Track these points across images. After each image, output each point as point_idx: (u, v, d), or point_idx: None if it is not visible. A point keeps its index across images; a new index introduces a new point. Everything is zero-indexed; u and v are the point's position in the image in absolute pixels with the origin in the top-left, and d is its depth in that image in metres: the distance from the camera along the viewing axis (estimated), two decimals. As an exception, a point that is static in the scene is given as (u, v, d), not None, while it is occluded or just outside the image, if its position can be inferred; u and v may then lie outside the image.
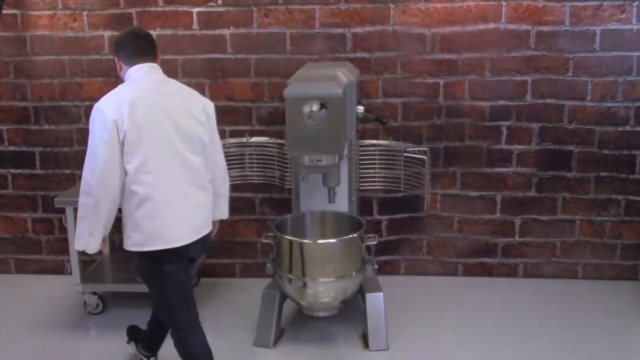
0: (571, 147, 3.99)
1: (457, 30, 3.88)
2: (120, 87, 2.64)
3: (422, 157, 3.36)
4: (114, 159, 2.47)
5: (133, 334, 3.24)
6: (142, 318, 3.24)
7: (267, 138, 3.63)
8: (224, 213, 2.93)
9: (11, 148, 4.17)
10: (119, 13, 3.93)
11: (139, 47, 2.69)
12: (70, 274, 3.69)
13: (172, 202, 2.56)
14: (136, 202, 2.52)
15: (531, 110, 3.96)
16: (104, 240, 2.61)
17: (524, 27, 3.85)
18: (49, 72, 4.04)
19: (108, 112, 2.48)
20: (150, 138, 2.51)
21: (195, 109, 2.67)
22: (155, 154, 2.53)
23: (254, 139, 3.62)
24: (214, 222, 2.83)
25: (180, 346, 2.70)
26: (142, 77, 2.65)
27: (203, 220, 2.69)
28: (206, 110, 2.72)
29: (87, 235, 2.55)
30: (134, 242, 2.57)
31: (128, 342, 3.24)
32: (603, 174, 4.01)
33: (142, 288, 3.60)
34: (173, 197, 2.56)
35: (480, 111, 3.99)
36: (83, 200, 2.53)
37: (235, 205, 4.11)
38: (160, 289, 2.65)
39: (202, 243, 2.70)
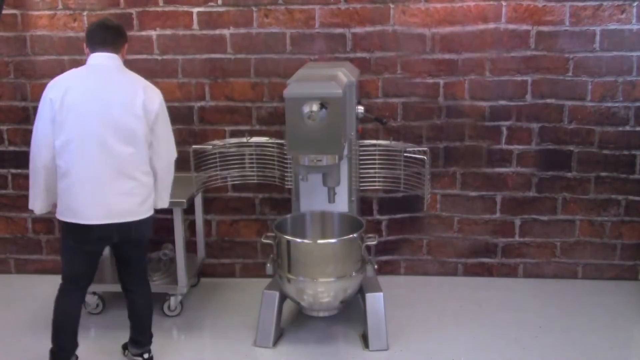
0: (571, 147, 3.99)
1: (457, 30, 3.88)
2: (73, 69, 2.92)
3: (422, 157, 3.35)
4: (46, 133, 2.79)
5: (124, 346, 3.29)
6: (142, 318, 3.25)
7: (267, 138, 3.62)
8: (164, 202, 3.08)
9: (11, 148, 4.17)
10: (119, 13, 3.93)
11: (101, 36, 2.89)
12: (70, 274, 3.69)
13: (85, 182, 2.79)
14: (59, 175, 2.83)
15: (531, 110, 3.96)
16: (54, 205, 2.92)
17: (524, 27, 3.85)
18: (49, 72, 4.03)
19: (49, 90, 2.81)
20: (76, 121, 2.75)
21: (134, 103, 2.82)
22: (79, 137, 2.76)
23: (254, 139, 3.62)
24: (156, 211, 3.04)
25: (55, 300, 2.98)
26: (94, 64, 2.89)
27: (125, 207, 2.86)
28: (146, 105, 2.84)
29: (33, 198, 2.92)
30: (57, 210, 2.90)
31: (125, 355, 3.27)
32: (603, 174, 4.01)
33: (142, 288, 3.61)
34: (88, 178, 2.79)
35: (480, 111, 3.98)
36: (29, 167, 2.91)
37: (235, 205, 4.13)
38: (63, 255, 2.99)
39: (125, 229, 2.88)
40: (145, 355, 3.17)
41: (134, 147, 2.83)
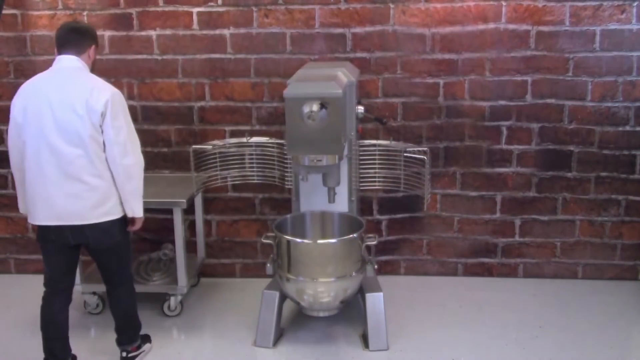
0: (571, 147, 3.99)
1: (457, 30, 3.88)
2: (40, 73, 2.96)
3: (422, 157, 3.35)
4: (12, 136, 2.90)
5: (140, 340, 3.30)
6: (142, 318, 3.25)
7: (267, 138, 3.62)
8: (135, 211, 2.99)
9: (11, 148, 4.17)
10: (119, 13, 3.93)
11: (64, 39, 2.92)
12: (70, 274, 3.69)
13: (36, 184, 2.86)
14: (25, 177, 2.91)
15: (531, 110, 3.96)
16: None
17: (524, 27, 3.85)
18: (49, 72, 4.04)
19: (17, 94, 2.89)
20: (31, 124, 2.81)
21: (76, 102, 2.79)
22: (32, 139, 2.82)
23: (254, 139, 3.62)
24: (131, 219, 3.01)
25: (40, 309, 3.00)
26: (53, 67, 2.92)
27: (73, 210, 2.85)
28: (89, 105, 2.79)
29: (18, 199, 3.07)
30: None
31: (141, 345, 3.29)
32: (603, 174, 4.01)
33: (142, 288, 3.61)
34: (38, 179, 2.85)
35: (480, 111, 3.98)
36: None
37: (235, 205, 4.13)
38: (43, 257, 3.03)
39: (78, 233, 2.88)
40: (124, 354, 3.20)
41: (82, 148, 2.80)
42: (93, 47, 2.98)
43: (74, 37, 2.92)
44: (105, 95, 2.81)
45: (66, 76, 2.87)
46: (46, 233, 2.91)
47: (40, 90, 2.83)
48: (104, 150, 2.85)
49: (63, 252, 2.97)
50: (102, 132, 2.82)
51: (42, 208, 2.87)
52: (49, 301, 3.01)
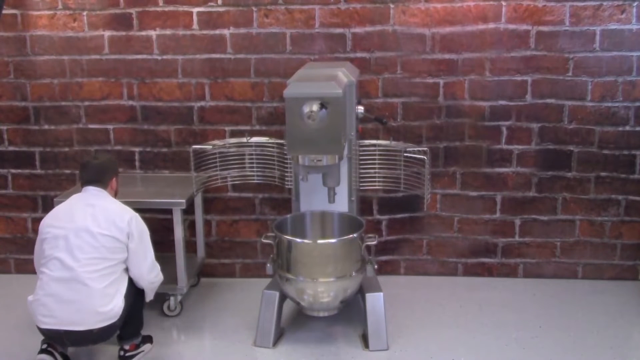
0: (571, 147, 3.99)
1: (457, 30, 3.88)
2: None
3: (422, 157, 3.35)
4: None
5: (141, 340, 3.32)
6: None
7: (267, 138, 3.63)
8: None
9: (11, 148, 4.17)
10: (119, 13, 3.93)
11: (88, 177, 3.17)
12: (70, 274, 3.69)
13: None
14: None
15: (531, 110, 3.96)
16: None
17: (524, 27, 3.85)
18: (49, 72, 4.04)
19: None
20: None
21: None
22: None
23: (254, 139, 3.62)
24: None
25: None
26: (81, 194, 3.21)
27: None
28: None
29: None
30: None
31: (141, 345, 3.30)
32: (603, 174, 4.01)
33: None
34: None
35: (480, 111, 3.98)
36: None
37: (235, 205, 4.14)
38: None
39: None
40: (121, 353, 3.22)
41: None
42: (114, 179, 3.22)
43: (96, 176, 3.14)
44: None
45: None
46: None
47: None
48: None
49: None
50: None
51: None
52: None
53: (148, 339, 3.35)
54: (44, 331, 2.99)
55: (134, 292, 3.15)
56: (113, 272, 2.99)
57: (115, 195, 3.23)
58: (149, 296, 3.24)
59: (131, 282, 3.12)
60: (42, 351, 3.04)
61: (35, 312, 2.96)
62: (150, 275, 3.14)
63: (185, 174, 3.98)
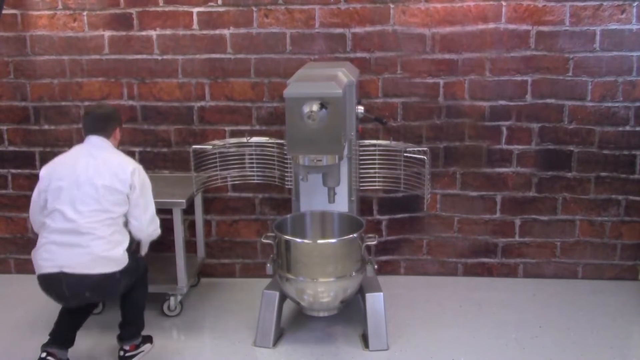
0: (571, 147, 3.99)
1: (457, 30, 3.88)
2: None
3: (422, 157, 3.36)
4: None
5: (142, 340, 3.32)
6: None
7: (267, 138, 3.63)
8: None
9: (11, 148, 4.17)
10: (119, 13, 3.93)
11: (91, 126, 3.14)
12: (70, 274, 3.69)
13: None
14: None
15: (531, 110, 3.96)
16: None
17: (524, 27, 3.85)
18: (49, 72, 4.04)
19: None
20: None
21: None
22: None
23: (254, 139, 3.62)
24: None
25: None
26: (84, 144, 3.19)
27: None
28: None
29: None
30: None
31: (141, 345, 3.30)
32: (603, 174, 4.01)
33: (142, 288, 3.61)
34: None
35: (480, 111, 3.98)
36: None
37: (235, 205, 4.14)
38: None
39: None
40: (121, 353, 3.21)
41: None
42: (118, 129, 3.19)
43: (99, 125, 3.11)
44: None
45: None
46: None
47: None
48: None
49: None
50: None
51: None
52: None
53: (148, 339, 3.35)
54: (43, 279, 2.96)
55: (141, 292, 3.21)
56: (115, 223, 2.98)
57: (118, 146, 3.21)
58: (144, 250, 3.23)
59: (139, 285, 3.17)
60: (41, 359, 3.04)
61: (37, 259, 2.96)
62: (149, 229, 3.12)
63: (185, 174, 3.98)
